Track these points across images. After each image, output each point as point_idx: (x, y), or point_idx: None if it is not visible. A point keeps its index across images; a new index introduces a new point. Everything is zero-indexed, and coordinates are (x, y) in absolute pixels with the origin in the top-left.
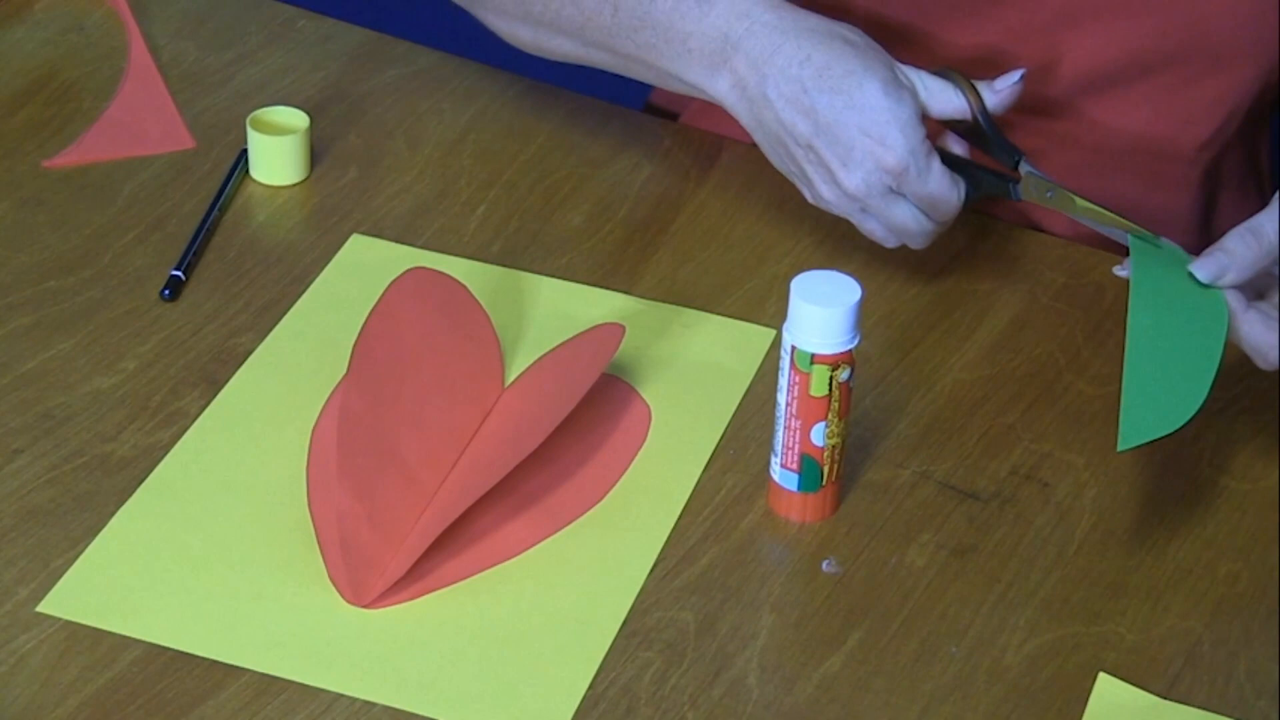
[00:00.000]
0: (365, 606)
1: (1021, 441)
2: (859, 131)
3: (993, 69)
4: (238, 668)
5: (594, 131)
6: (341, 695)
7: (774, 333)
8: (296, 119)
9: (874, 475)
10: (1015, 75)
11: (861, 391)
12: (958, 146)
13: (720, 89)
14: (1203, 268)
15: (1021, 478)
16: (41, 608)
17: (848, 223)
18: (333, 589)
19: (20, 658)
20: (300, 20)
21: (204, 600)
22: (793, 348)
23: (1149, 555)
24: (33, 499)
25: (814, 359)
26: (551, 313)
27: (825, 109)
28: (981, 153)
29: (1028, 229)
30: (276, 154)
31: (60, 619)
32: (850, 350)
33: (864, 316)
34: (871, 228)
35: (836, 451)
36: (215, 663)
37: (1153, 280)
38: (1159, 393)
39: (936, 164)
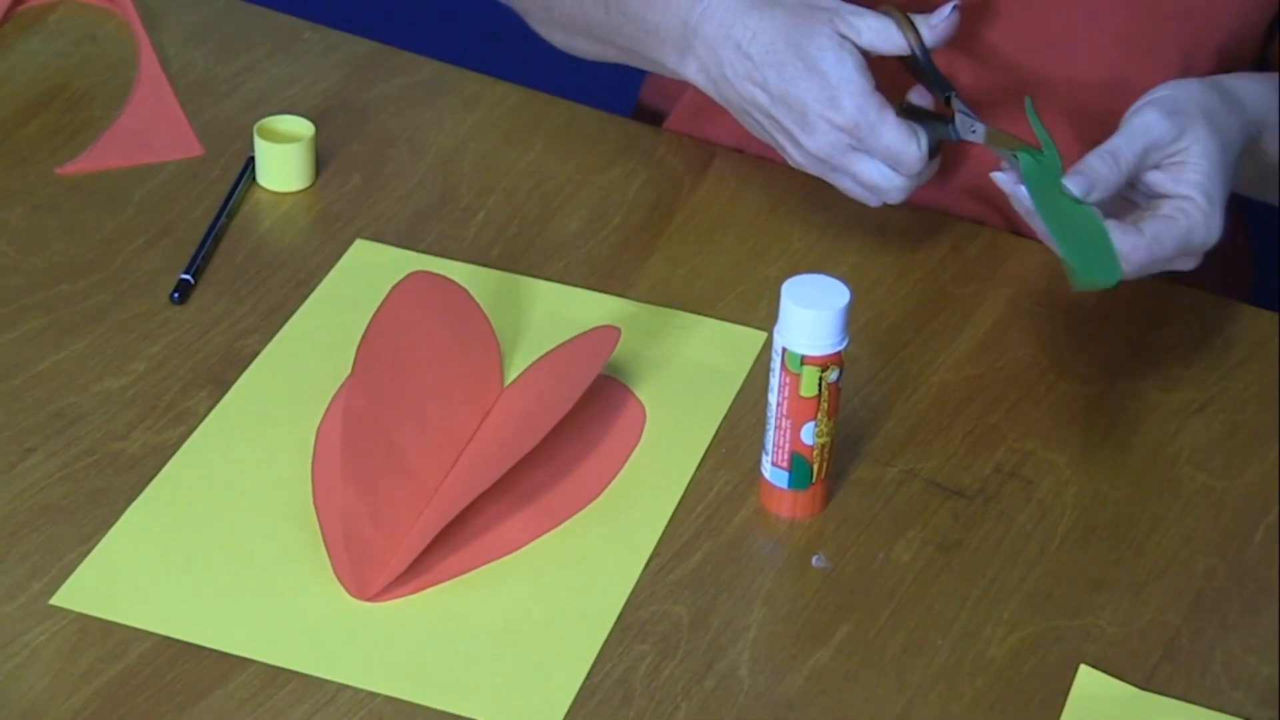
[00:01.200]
0: (368, 600)
1: (1005, 440)
2: (810, 98)
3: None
4: (245, 659)
5: (590, 139)
6: (345, 686)
7: (765, 335)
8: (302, 127)
9: (862, 473)
10: (947, 9)
11: (850, 392)
12: (918, 98)
13: (691, 73)
14: (1074, 183)
15: (1005, 475)
16: (54, 601)
17: (837, 227)
18: (337, 583)
19: (34, 650)
20: (306, 32)
21: (212, 594)
22: (783, 349)
23: (1129, 551)
24: (46, 496)
25: (804, 360)
26: (549, 315)
27: (775, 81)
28: (926, 91)
29: (1012, 234)
30: (283, 161)
31: (72, 612)
32: (839, 352)
33: (852, 319)
34: (848, 186)
35: (826, 450)
36: (223, 654)
37: (1044, 186)
38: (1090, 256)
39: (890, 117)
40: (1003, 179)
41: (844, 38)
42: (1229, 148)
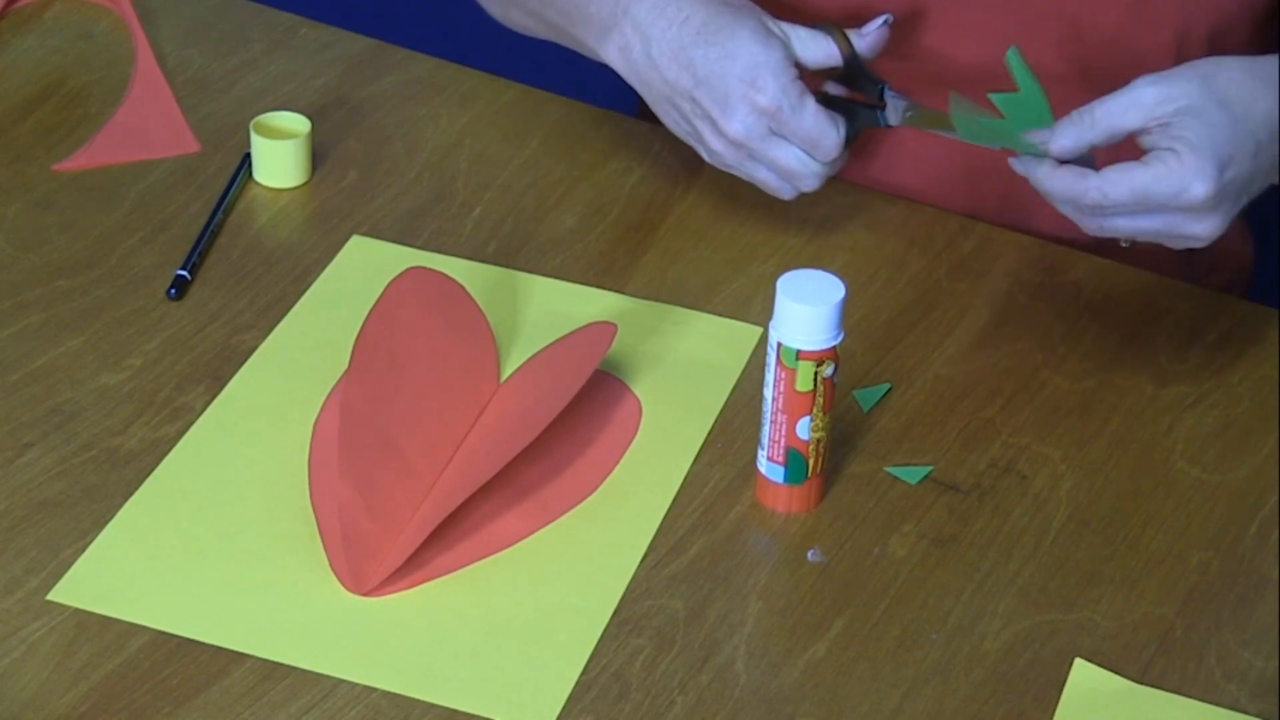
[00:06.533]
0: (365, 595)
1: (1000, 435)
2: (734, 79)
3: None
4: (242, 654)
5: (586, 136)
6: (342, 680)
7: (761, 330)
8: (298, 124)
9: (857, 468)
10: (879, 20)
11: (845, 387)
12: (834, 89)
13: (609, 53)
14: (1037, 134)
15: (1000, 470)
16: (51, 596)
17: (832, 223)
18: (333, 578)
19: (31, 645)
20: (302, 28)
21: (209, 589)
22: (778, 344)
23: (1123, 545)
24: (43, 491)
25: (799, 355)
26: (545, 311)
27: (701, 61)
28: (857, 92)
29: (1006, 230)
30: (279, 158)
31: (70, 607)
32: (834, 347)
33: (847, 314)
34: (763, 177)
35: (821, 445)
36: (220, 649)
37: (993, 126)
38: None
39: (810, 102)
40: (1015, 164)
41: (772, 32)
42: (1238, 105)
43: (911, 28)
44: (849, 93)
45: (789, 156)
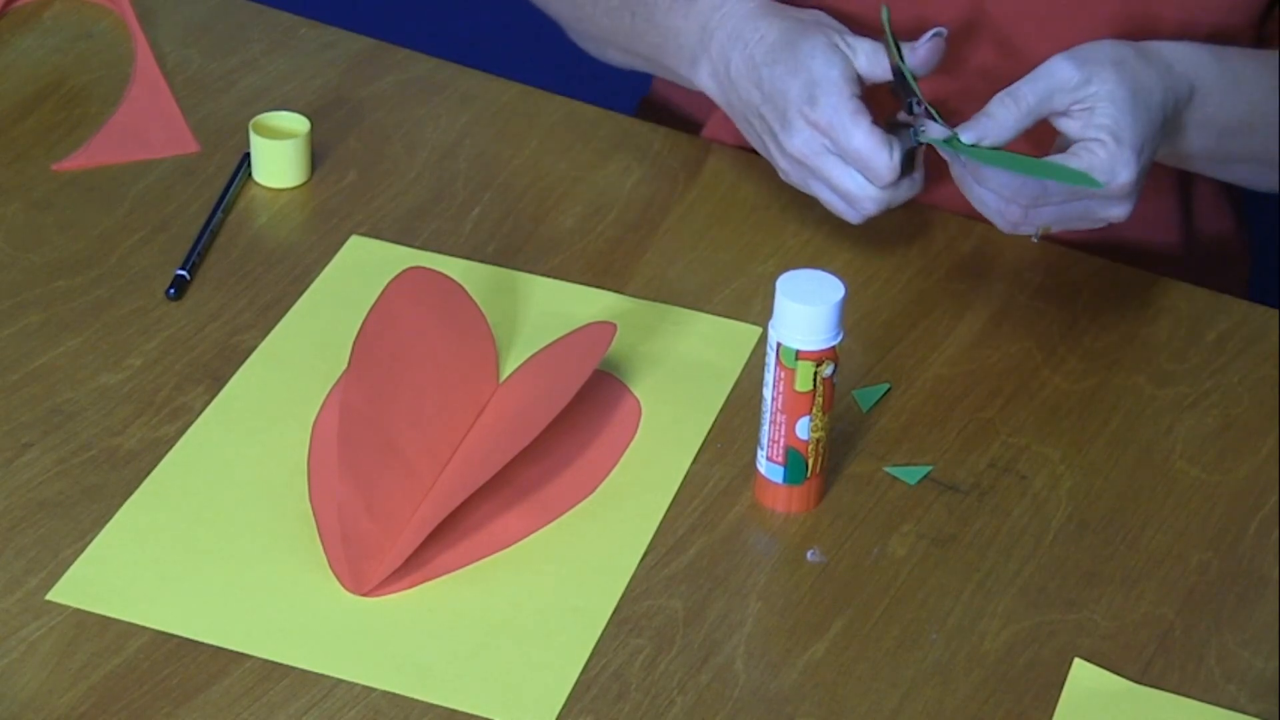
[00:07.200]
0: (365, 595)
1: (999, 435)
2: (792, 95)
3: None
4: (241, 654)
5: (585, 136)
6: (341, 681)
7: (760, 330)
8: (297, 124)
9: (857, 468)
10: (930, 33)
11: (845, 387)
12: (906, 116)
13: (702, 78)
14: (968, 130)
15: (999, 470)
16: (51, 596)
17: (831, 223)
18: (333, 577)
19: (30, 645)
20: (301, 28)
21: (208, 589)
22: (778, 344)
23: (1123, 545)
24: (42, 491)
25: (799, 355)
26: (545, 311)
27: (768, 79)
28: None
29: None
30: (278, 157)
31: (69, 607)
32: (834, 346)
33: (847, 314)
34: (826, 196)
35: (820, 445)
36: (219, 649)
37: (980, 152)
38: (1063, 173)
39: (864, 122)
40: (943, 151)
41: (837, 48)
42: (1144, 94)
43: (965, 43)
44: (919, 117)
45: (845, 178)
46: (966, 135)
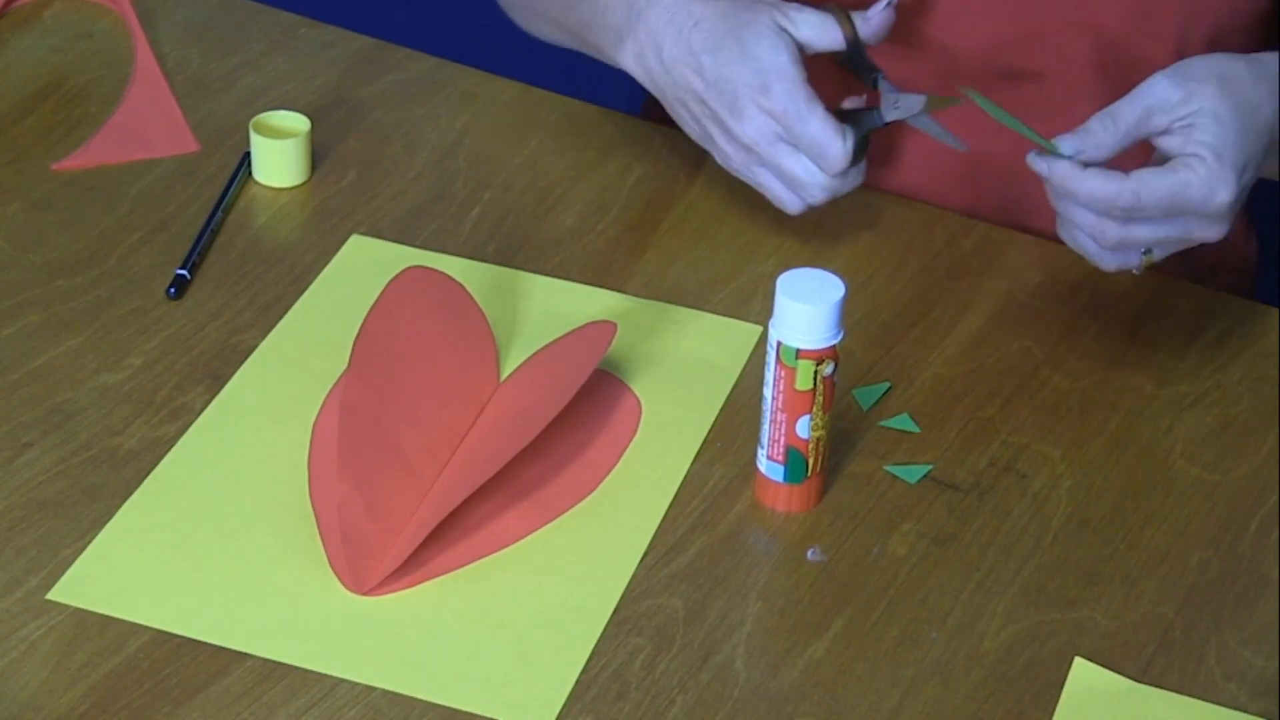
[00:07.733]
0: (365, 594)
1: (999, 434)
2: (742, 83)
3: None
4: (242, 653)
5: (585, 135)
6: (342, 680)
7: (760, 329)
8: (297, 123)
9: (857, 467)
10: (882, 3)
11: (845, 386)
12: (850, 103)
13: (625, 59)
14: (1066, 142)
15: (1000, 469)
16: (51, 595)
17: (832, 222)
18: (333, 577)
19: (31, 644)
20: (301, 28)
21: (209, 588)
22: (778, 343)
23: (1123, 544)
24: (42, 491)
25: (799, 354)
26: (545, 310)
27: (711, 66)
28: (858, 82)
29: (1006, 229)
30: (278, 157)
31: (69, 606)
32: (834, 345)
33: (847, 313)
34: (771, 184)
35: (821, 444)
36: (220, 648)
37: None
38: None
39: (819, 109)
40: (1037, 162)
41: (782, 29)
42: (1250, 111)
43: (917, 17)
44: (863, 104)
45: (795, 165)
46: (1067, 146)
